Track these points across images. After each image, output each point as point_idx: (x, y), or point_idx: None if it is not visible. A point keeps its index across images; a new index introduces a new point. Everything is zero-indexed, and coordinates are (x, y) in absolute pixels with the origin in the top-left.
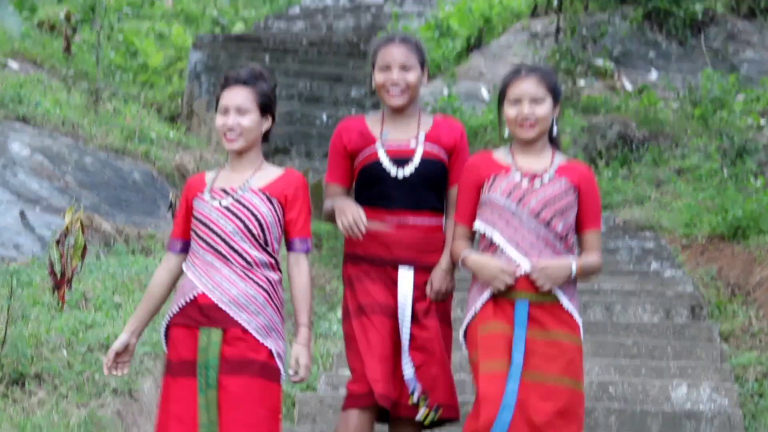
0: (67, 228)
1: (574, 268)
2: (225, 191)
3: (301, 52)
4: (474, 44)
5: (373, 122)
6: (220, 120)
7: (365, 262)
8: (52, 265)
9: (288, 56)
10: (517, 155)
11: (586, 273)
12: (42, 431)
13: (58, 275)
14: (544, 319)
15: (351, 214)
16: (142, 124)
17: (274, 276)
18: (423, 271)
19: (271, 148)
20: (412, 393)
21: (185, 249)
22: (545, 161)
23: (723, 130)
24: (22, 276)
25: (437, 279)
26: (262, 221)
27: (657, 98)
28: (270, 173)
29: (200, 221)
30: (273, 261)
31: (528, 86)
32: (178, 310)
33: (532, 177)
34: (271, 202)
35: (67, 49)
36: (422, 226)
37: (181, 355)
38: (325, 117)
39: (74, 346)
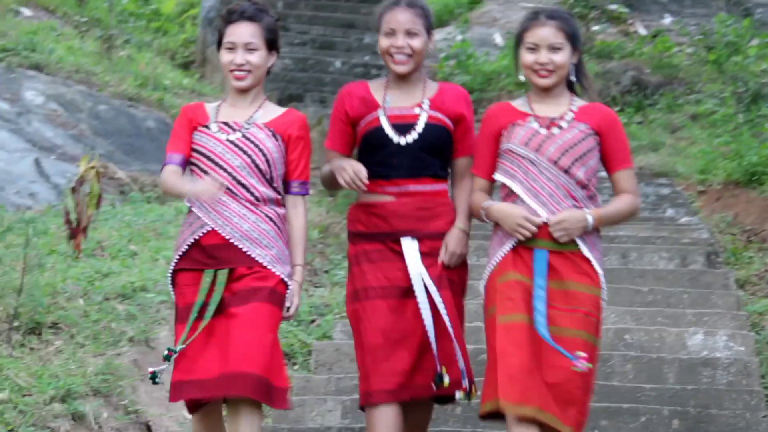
0: (82, 176)
1: (590, 220)
2: (229, 125)
3: None
4: None
5: (376, 88)
6: (227, 56)
7: (365, 240)
8: (67, 214)
9: (301, 2)
10: (534, 103)
11: (610, 221)
12: (59, 380)
13: (74, 224)
14: (564, 269)
15: (350, 168)
16: (156, 72)
17: (280, 211)
18: (425, 240)
19: (285, 94)
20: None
21: (184, 165)
22: (563, 107)
23: (737, 76)
24: (37, 224)
25: (453, 241)
26: (269, 156)
27: (671, 43)
28: (273, 110)
29: (204, 155)
30: (279, 197)
31: (546, 33)
32: (183, 253)
33: (550, 124)
34: (275, 139)
35: None
36: (422, 192)
37: (187, 300)
38: (339, 63)
39: (90, 294)
